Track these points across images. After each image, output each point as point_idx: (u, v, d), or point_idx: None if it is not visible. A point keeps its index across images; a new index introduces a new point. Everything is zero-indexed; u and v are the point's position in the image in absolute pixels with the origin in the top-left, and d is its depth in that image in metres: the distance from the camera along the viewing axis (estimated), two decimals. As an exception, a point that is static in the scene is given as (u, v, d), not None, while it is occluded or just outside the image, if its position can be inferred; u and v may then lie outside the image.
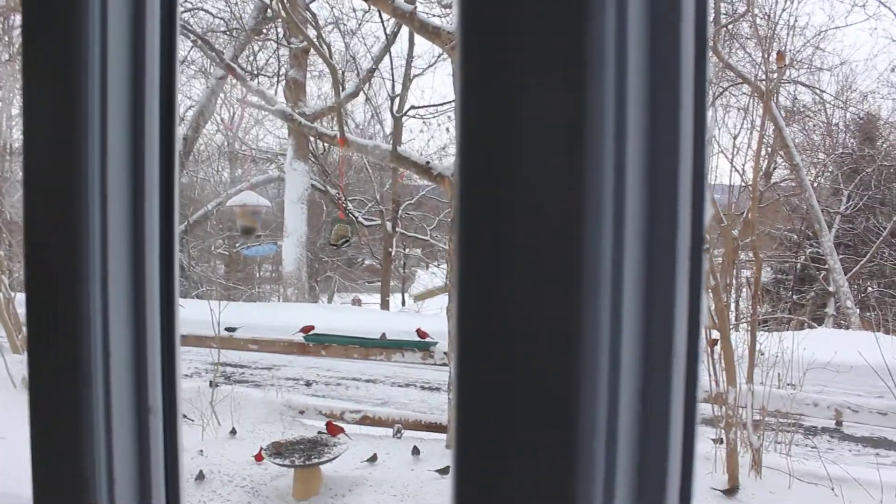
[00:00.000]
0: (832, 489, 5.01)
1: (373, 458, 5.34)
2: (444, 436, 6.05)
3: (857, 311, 18.43)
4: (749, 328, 5.58)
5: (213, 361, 6.95)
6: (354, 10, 17.94)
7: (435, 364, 6.40)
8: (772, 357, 5.90)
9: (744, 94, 20.83)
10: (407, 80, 13.60)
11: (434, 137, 21.91)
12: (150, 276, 0.64)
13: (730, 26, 18.73)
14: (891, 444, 7.58)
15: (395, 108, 16.48)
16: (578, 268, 0.45)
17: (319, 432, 5.11)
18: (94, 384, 0.64)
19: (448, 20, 5.49)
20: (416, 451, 5.51)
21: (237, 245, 20.87)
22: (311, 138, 18.28)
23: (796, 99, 20.11)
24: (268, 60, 18.36)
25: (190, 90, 20.16)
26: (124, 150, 0.63)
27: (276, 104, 6.10)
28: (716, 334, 5.12)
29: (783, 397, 5.47)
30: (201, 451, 5.34)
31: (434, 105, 20.80)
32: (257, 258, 23.39)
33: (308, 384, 9.88)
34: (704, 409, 6.61)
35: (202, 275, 21.37)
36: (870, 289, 22.86)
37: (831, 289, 19.00)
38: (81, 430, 0.64)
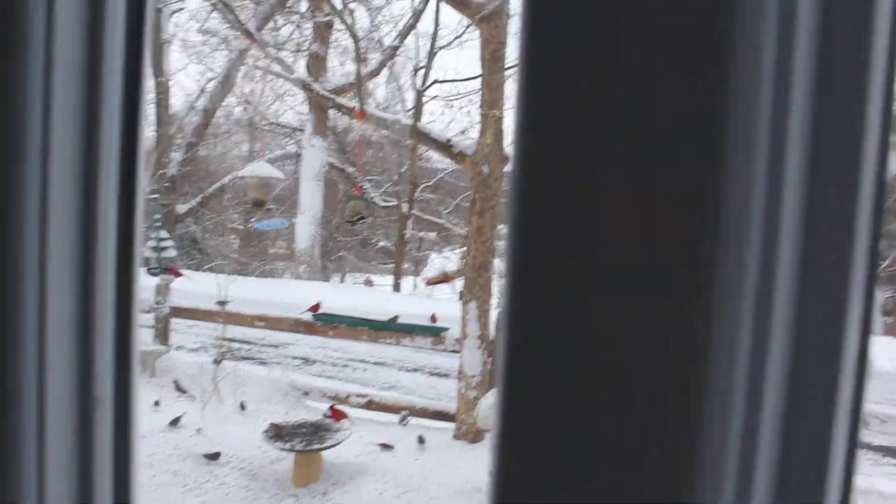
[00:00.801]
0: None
1: (387, 447, 5.16)
2: (451, 425, 5.85)
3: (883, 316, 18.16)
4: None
5: (218, 337, 6.78)
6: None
7: (445, 350, 6.17)
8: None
9: None
10: (432, 54, 13.30)
11: (455, 120, 21.67)
12: (103, 249, 0.58)
13: None
14: (913, 453, 7.37)
15: (419, 82, 16.18)
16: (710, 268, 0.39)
17: (324, 415, 4.91)
18: (24, 371, 0.59)
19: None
20: (421, 440, 5.31)
21: (251, 220, 20.72)
22: (331, 115, 18.08)
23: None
24: (291, 34, 18.10)
25: (213, 62, 19.98)
26: (73, 113, 0.58)
27: (294, 73, 5.87)
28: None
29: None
30: (199, 429, 5.15)
31: (459, 80, 20.44)
32: (269, 233, 23.27)
33: (308, 362, 9.71)
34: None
35: (216, 249, 21.25)
36: (888, 293, 22.58)
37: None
38: (6, 423, 0.59)
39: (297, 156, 19.56)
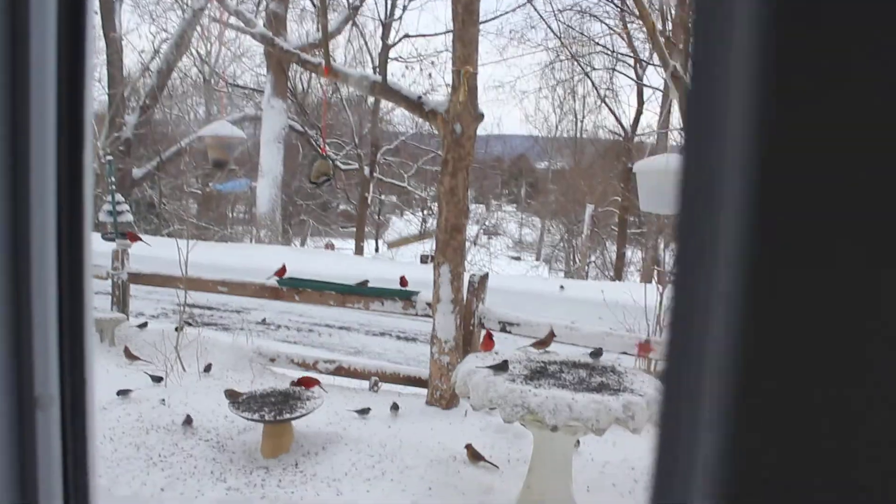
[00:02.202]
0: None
1: (365, 411, 5.02)
2: (423, 390, 5.71)
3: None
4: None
5: (179, 303, 6.53)
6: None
7: (416, 315, 6.01)
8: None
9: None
10: (393, 8, 12.98)
11: (416, 82, 21.32)
12: (39, 218, 0.49)
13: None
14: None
15: (387, 37, 15.82)
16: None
17: (292, 383, 4.72)
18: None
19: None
20: (395, 407, 5.16)
21: (209, 183, 20.27)
22: (290, 76, 17.66)
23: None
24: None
25: (166, 23, 19.38)
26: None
27: (256, 26, 5.57)
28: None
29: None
30: (163, 400, 4.94)
31: (429, 35, 20.07)
32: (228, 196, 22.84)
33: (268, 324, 9.50)
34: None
35: (173, 213, 20.79)
36: None
37: None
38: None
39: (257, 118, 19.13)
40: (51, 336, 0.49)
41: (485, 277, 5.75)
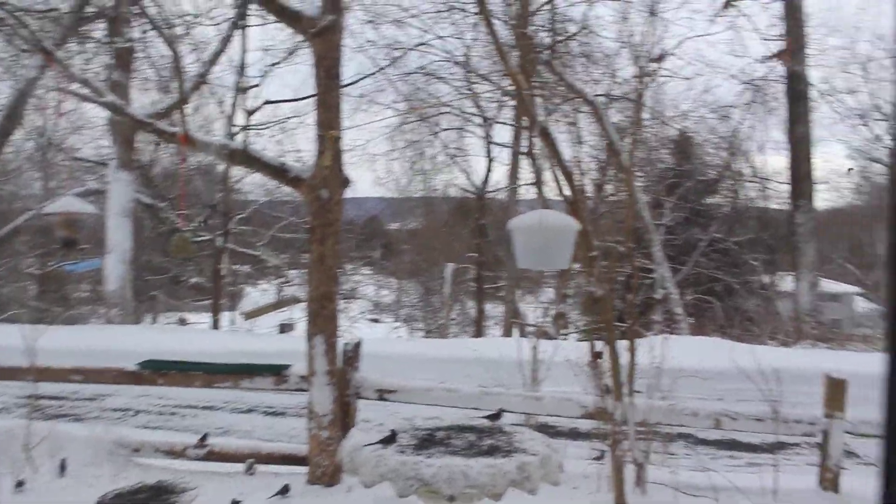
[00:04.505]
0: (716, 500, 4.87)
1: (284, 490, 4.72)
2: (303, 469, 5.44)
3: (686, 317, 19.40)
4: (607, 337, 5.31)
5: (25, 395, 5.94)
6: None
7: (289, 389, 5.75)
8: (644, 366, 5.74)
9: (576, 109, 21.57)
10: (242, 83, 12.78)
11: (265, 148, 21.06)
12: None
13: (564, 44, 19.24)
14: (741, 445, 7.77)
15: (244, 102, 15.53)
16: None
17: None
18: None
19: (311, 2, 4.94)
20: (285, 490, 4.87)
21: (52, 262, 19.10)
22: (136, 147, 17.05)
23: (626, 115, 20.88)
24: (88, 61, 16.87)
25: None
26: None
27: (105, 96, 5.28)
28: (599, 347, 4.87)
29: (662, 409, 5.27)
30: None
31: (291, 100, 19.80)
32: (71, 276, 21.60)
33: (131, 413, 8.92)
34: (583, 424, 6.41)
35: (11, 296, 19.38)
36: (687, 296, 24.24)
37: (657, 296, 19.80)
38: None
39: (101, 192, 18.25)
40: None
41: (358, 345, 5.62)
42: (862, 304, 36.82)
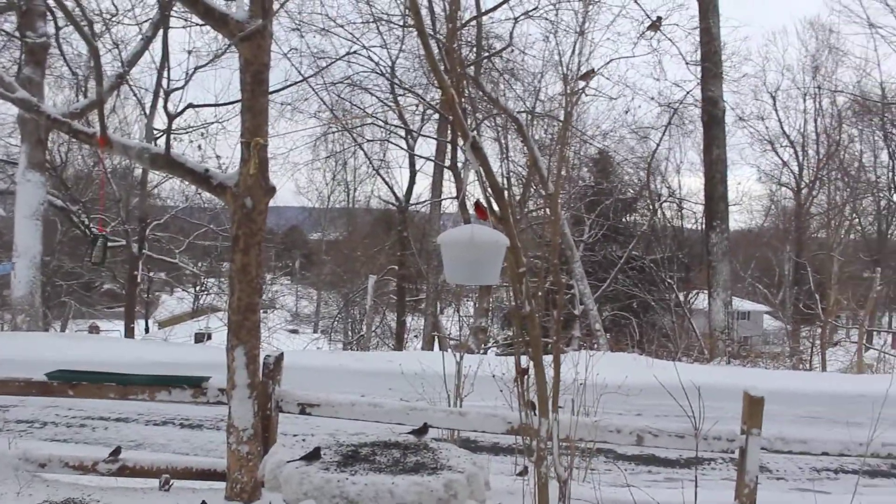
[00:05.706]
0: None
1: None
2: (221, 484, 5.28)
3: (605, 333, 19.74)
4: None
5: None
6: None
7: (208, 402, 5.58)
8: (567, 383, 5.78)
9: (502, 126, 21.85)
10: (162, 85, 12.44)
11: (185, 153, 20.61)
12: None
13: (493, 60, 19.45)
14: (659, 460, 7.95)
15: (168, 106, 15.14)
16: None
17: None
18: None
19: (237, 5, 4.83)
20: (202, 508, 4.72)
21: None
22: (48, 146, 16.44)
23: (549, 132, 21.23)
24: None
25: None
26: None
27: (17, 91, 5.04)
28: (525, 363, 4.86)
29: (586, 425, 5.31)
30: None
31: (216, 105, 19.42)
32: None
33: (31, 422, 8.54)
34: (505, 439, 6.41)
35: None
36: (605, 312, 24.73)
37: (577, 312, 20.12)
38: None
39: (9, 193, 17.53)
40: None
41: (280, 358, 5.49)
42: (768, 322, 38.21)
